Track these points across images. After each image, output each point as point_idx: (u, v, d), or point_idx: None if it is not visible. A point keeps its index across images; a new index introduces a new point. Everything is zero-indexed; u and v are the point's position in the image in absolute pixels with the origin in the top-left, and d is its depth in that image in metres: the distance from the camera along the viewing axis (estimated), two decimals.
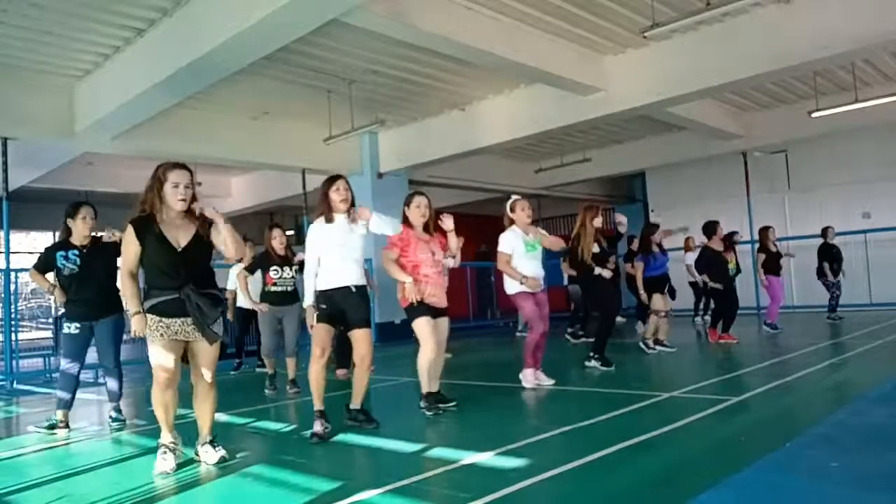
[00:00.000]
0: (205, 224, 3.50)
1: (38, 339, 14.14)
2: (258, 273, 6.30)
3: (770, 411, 4.32)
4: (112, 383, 4.98)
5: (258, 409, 5.45)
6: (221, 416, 5.16)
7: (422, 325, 4.57)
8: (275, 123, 10.83)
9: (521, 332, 11.07)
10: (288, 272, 6.14)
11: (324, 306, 4.16)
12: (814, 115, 10.16)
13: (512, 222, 5.56)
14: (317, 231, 4.24)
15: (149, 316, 3.40)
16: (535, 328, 5.61)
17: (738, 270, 8.47)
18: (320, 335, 4.15)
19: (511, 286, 5.61)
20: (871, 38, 7.20)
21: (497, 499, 2.72)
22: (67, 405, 4.84)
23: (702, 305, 11.60)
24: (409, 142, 11.82)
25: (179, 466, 3.51)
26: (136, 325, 3.41)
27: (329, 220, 4.22)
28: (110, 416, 4.97)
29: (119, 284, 3.38)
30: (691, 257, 10.06)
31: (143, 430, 4.71)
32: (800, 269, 12.54)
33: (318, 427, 4.03)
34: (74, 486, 3.42)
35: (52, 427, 4.76)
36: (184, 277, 3.40)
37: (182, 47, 6.80)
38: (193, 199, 3.49)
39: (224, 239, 3.49)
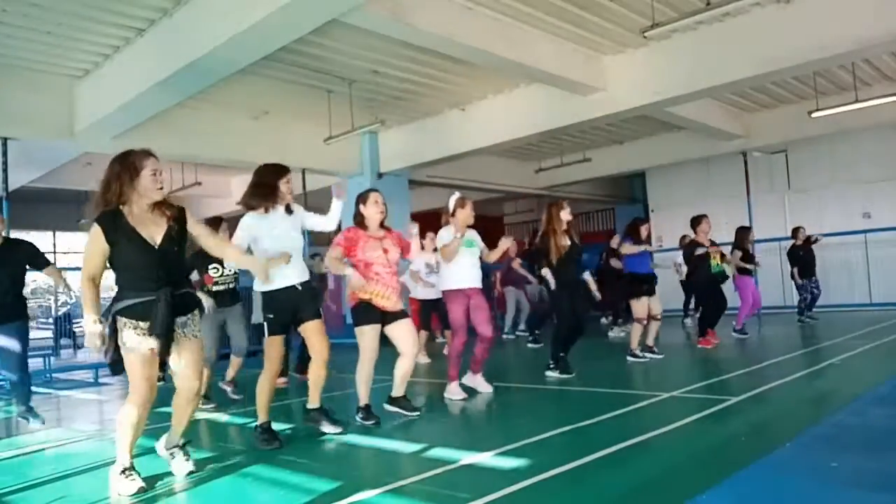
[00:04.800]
0: (177, 217, 3.20)
1: (37, 339, 14.10)
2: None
3: (770, 411, 4.32)
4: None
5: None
6: (222, 417, 5.18)
7: (365, 335, 4.38)
8: (275, 123, 10.82)
9: (508, 333, 10.86)
10: (228, 269, 5.58)
11: (270, 315, 3.96)
12: (814, 115, 10.15)
13: (448, 221, 5.22)
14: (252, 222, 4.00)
15: (122, 320, 3.06)
16: (458, 334, 5.25)
17: (724, 276, 7.84)
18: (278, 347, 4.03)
19: (446, 281, 5.25)
20: (871, 38, 7.19)
21: (497, 499, 2.72)
22: None
23: (692, 305, 11.23)
24: (409, 142, 11.81)
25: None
26: (91, 332, 2.99)
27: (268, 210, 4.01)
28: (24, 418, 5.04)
29: (79, 288, 3.06)
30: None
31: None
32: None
33: (275, 444, 3.92)
34: (74, 486, 3.42)
35: None
36: (161, 279, 3.08)
37: (182, 47, 6.80)
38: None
39: (204, 240, 3.40)
